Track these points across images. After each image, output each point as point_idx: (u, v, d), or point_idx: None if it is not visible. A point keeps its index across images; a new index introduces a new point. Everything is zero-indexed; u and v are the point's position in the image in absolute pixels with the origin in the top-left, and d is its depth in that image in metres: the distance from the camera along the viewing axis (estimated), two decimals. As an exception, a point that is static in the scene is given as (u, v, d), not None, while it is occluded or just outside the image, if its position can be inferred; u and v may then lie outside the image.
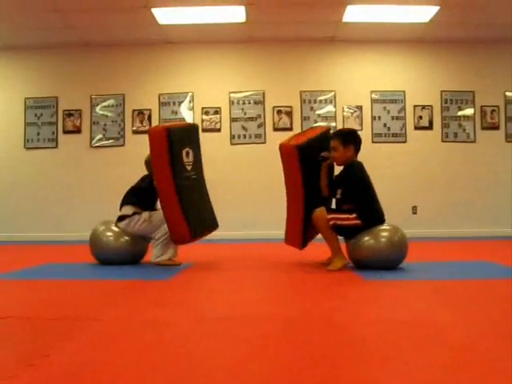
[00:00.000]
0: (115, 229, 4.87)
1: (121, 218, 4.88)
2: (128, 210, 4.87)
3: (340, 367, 1.71)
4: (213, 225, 4.97)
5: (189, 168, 4.63)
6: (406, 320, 2.41)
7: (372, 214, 4.33)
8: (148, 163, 4.93)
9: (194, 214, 4.55)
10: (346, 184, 4.43)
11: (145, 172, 5.07)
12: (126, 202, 4.98)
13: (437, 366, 1.70)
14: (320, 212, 4.33)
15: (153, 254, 4.74)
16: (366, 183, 4.41)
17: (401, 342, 2.02)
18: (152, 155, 4.52)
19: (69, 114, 8.90)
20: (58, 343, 1.96)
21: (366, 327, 2.31)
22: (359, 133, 5.24)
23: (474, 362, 1.74)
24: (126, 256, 4.81)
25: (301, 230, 4.61)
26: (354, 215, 4.25)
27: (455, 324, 2.33)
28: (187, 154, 4.63)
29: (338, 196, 4.41)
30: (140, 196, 4.91)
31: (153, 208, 4.90)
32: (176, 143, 4.47)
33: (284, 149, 4.63)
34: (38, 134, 8.92)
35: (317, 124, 8.77)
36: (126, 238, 4.80)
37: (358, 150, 4.56)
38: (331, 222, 4.27)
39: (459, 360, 1.76)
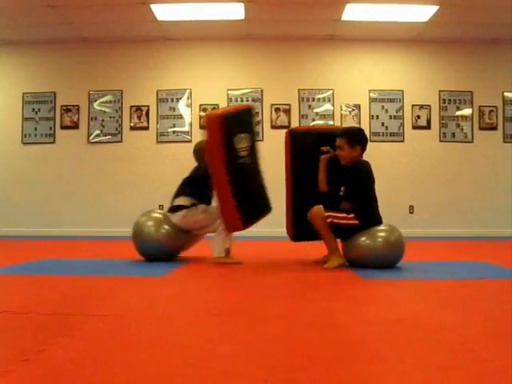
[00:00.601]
0: (158, 216, 4.76)
1: (175, 209, 4.73)
2: (185, 200, 4.72)
3: (337, 366, 1.71)
4: (266, 209, 4.87)
5: (243, 154, 4.53)
6: (403, 319, 2.41)
7: (370, 216, 4.30)
8: (197, 151, 4.89)
9: (247, 202, 4.50)
10: (352, 182, 4.34)
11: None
12: (181, 193, 4.82)
13: (434, 366, 1.70)
14: (317, 210, 4.31)
15: (212, 251, 4.63)
16: (371, 184, 4.38)
17: (398, 342, 2.02)
18: (207, 142, 4.43)
19: (66, 109, 8.89)
20: (54, 339, 1.95)
21: (363, 326, 2.31)
22: None
23: (471, 362, 1.74)
24: (167, 249, 4.71)
25: (290, 221, 4.61)
26: (351, 215, 4.22)
27: (452, 324, 2.33)
28: (242, 139, 4.53)
29: (342, 193, 4.34)
30: (195, 186, 4.77)
31: (209, 202, 4.80)
32: (231, 130, 4.42)
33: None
34: (36, 129, 8.91)
35: (315, 122, 8.78)
36: (168, 228, 4.66)
37: (364, 149, 4.52)
38: (328, 220, 4.24)
39: (456, 360, 1.77)
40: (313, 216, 4.32)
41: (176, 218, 4.68)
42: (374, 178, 4.44)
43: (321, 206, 4.31)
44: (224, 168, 4.33)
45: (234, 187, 4.37)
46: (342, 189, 4.34)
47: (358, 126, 8.70)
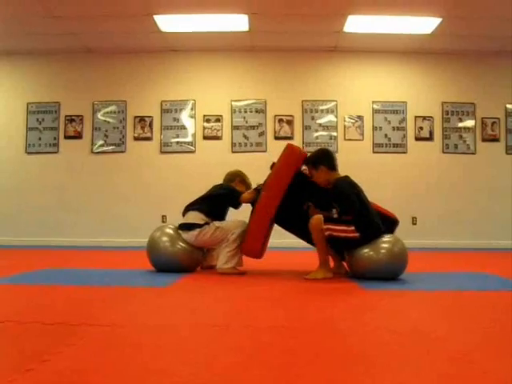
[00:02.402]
0: (171, 232, 4.73)
1: (187, 227, 4.71)
2: (198, 218, 4.71)
3: (337, 376, 1.71)
4: None
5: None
6: (404, 330, 2.41)
7: (370, 227, 4.23)
8: (229, 174, 5.16)
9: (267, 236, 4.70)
10: (337, 202, 4.35)
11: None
12: (196, 209, 4.80)
13: (434, 377, 1.70)
14: (316, 220, 4.26)
15: (219, 260, 4.67)
16: (354, 198, 4.27)
17: (398, 352, 2.02)
18: (279, 168, 4.56)
19: (70, 119, 8.93)
20: (57, 348, 1.96)
21: (364, 336, 2.32)
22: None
23: (471, 374, 1.74)
24: (183, 263, 4.70)
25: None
26: (352, 227, 4.17)
27: (453, 335, 2.33)
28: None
29: (335, 215, 4.34)
30: (215, 206, 4.81)
31: (222, 219, 4.87)
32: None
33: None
34: (40, 139, 8.96)
35: (318, 134, 8.79)
36: (183, 245, 4.66)
37: (332, 166, 4.50)
38: (327, 233, 4.20)
39: (457, 371, 1.77)
40: (312, 227, 4.27)
41: (189, 236, 4.67)
42: (357, 189, 4.41)
43: (321, 217, 4.26)
44: (279, 199, 4.44)
45: (271, 220, 4.54)
46: (334, 211, 4.34)
47: (360, 137, 8.75)
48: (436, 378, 1.69)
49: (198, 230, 4.65)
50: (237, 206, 4.93)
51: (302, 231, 4.62)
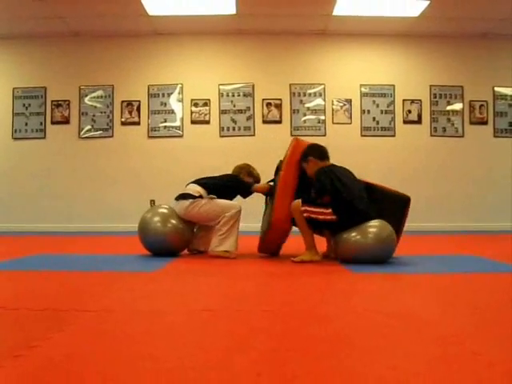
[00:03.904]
0: (164, 211, 4.73)
1: (181, 196, 4.70)
2: (195, 190, 4.71)
3: (326, 359, 1.72)
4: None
5: None
6: (393, 312, 2.42)
7: (349, 211, 4.23)
8: (238, 167, 5.11)
9: None
10: (317, 190, 4.36)
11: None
12: (197, 183, 4.82)
13: (425, 358, 1.72)
14: (297, 203, 4.32)
15: (211, 243, 4.68)
16: (329, 188, 4.29)
17: (388, 334, 2.03)
18: (291, 157, 4.62)
19: (57, 104, 8.85)
20: (46, 334, 1.95)
21: (353, 319, 2.33)
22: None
23: (461, 356, 1.75)
24: (173, 243, 4.70)
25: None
26: (329, 210, 4.22)
27: (443, 317, 2.34)
28: None
29: (312, 194, 4.36)
30: (221, 190, 4.78)
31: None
32: None
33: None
34: (26, 124, 8.88)
35: (306, 118, 8.77)
36: (174, 222, 4.65)
37: (320, 156, 4.56)
38: (305, 215, 4.25)
39: (446, 353, 1.78)
40: (292, 210, 4.35)
41: (181, 206, 4.66)
42: (343, 173, 4.46)
43: (299, 200, 4.32)
44: (296, 179, 4.58)
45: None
46: (312, 193, 4.35)
47: (349, 120, 8.74)
48: (426, 360, 1.70)
49: (190, 200, 4.63)
50: (246, 194, 4.93)
51: None
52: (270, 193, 4.79)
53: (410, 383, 1.49)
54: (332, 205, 4.23)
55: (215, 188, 4.77)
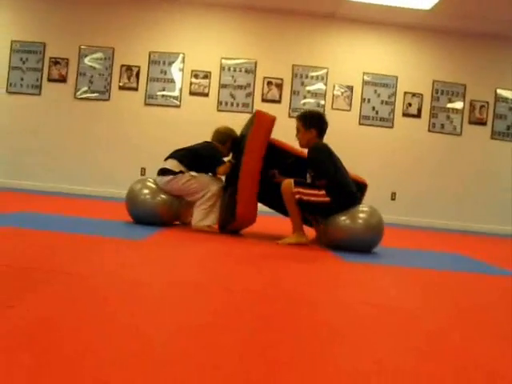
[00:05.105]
0: (152, 186, 4.66)
1: (162, 172, 4.68)
2: (174, 165, 4.66)
3: (311, 346, 1.67)
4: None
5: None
6: (380, 304, 2.39)
7: (343, 193, 4.22)
8: (221, 135, 4.95)
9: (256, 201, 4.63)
10: (312, 164, 4.34)
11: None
12: (175, 157, 4.76)
13: (409, 351, 1.69)
14: (287, 184, 4.22)
15: (194, 217, 4.68)
16: (330, 165, 4.27)
17: (373, 326, 2.00)
18: (255, 134, 4.53)
19: (55, 61, 8.71)
20: (23, 294, 1.89)
21: (338, 308, 2.29)
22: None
23: (445, 350, 1.74)
24: (162, 216, 4.65)
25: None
26: (322, 192, 4.16)
27: (428, 311, 2.34)
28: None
29: (309, 179, 4.31)
30: (196, 162, 4.74)
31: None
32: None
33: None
34: (22, 79, 8.74)
35: (306, 101, 8.70)
36: (163, 196, 4.60)
37: (321, 132, 4.50)
38: (297, 197, 4.17)
39: (430, 347, 1.77)
40: (283, 190, 4.25)
41: (162, 181, 4.65)
42: (335, 156, 4.39)
43: (291, 181, 4.23)
44: (261, 162, 4.47)
45: (260, 184, 4.50)
46: (308, 175, 4.29)
47: (348, 107, 8.68)
48: (412, 354, 1.67)
49: (171, 176, 4.63)
50: (214, 173, 4.87)
51: (274, 202, 4.67)
52: (231, 172, 4.69)
53: (394, 378, 1.46)
54: (327, 186, 4.18)
55: (190, 163, 4.73)
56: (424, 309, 2.41)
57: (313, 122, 4.48)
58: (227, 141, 4.93)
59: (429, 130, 8.84)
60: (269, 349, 1.59)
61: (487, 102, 8.87)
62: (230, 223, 4.56)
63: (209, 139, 4.98)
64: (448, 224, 8.58)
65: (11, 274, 2.24)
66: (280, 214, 4.85)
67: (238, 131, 5.04)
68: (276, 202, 4.61)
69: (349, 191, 4.28)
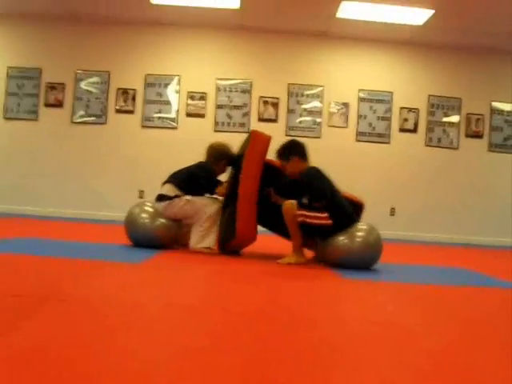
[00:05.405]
0: (151, 210, 4.66)
1: (159, 198, 4.69)
2: (170, 190, 4.67)
3: (311, 365, 1.65)
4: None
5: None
6: (381, 321, 2.37)
7: (341, 214, 4.21)
8: (215, 150, 4.92)
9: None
10: (308, 189, 4.28)
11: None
12: (171, 181, 4.77)
13: (411, 371, 1.66)
14: (290, 205, 4.20)
15: (191, 239, 4.66)
16: (324, 187, 4.26)
17: (373, 344, 1.98)
18: (251, 154, 4.53)
19: (52, 87, 8.74)
20: (17, 322, 1.87)
21: (338, 326, 2.27)
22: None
23: (446, 369, 1.71)
24: (161, 239, 4.64)
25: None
26: (325, 214, 4.14)
27: (429, 329, 2.30)
28: None
29: (305, 201, 4.26)
30: (192, 184, 4.73)
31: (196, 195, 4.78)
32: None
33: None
34: (19, 104, 8.76)
35: (302, 119, 8.72)
36: (162, 221, 4.60)
37: (303, 156, 4.49)
38: (300, 219, 4.15)
39: (432, 366, 1.73)
40: (285, 211, 4.23)
41: (159, 207, 4.65)
42: (327, 178, 4.38)
43: (294, 202, 4.20)
44: (258, 180, 4.48)
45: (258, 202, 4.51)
46: (304, 199, 4.25)
47: (344, 124, 8.70)
48: (414, 373, 1.65)
49: (167, 201, 4.62)
50: (212, 193, 4.87)
51: (272, 223, 4.69)
52: (230, 191, 4.68)
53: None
54: (328, 208, 4.16)
55: (186, 186, 4.72)
56: (424, 325, 2.39)
57: (289, 152, 4.49)
58: (223, 158, 4.91)
59: (426, 145, 8.85)
60: (268, 369, 1.58)
61: (483, 115, 8.89)
62: (231, 241, 4.53)
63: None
64: (447, 238, 8.55)
65: (5, 302, 2.22)
66: (277, 234, 4.84)
67: (236, 150, 5.04)
68: (273, 223, 4.61)
69: (347, 213, 4.28)
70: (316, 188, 4.24)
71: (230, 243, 4.56)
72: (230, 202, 4.59)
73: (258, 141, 4.62)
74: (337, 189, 4.40)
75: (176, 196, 4.65)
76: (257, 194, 4.47)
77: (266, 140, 4.62)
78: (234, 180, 4.63)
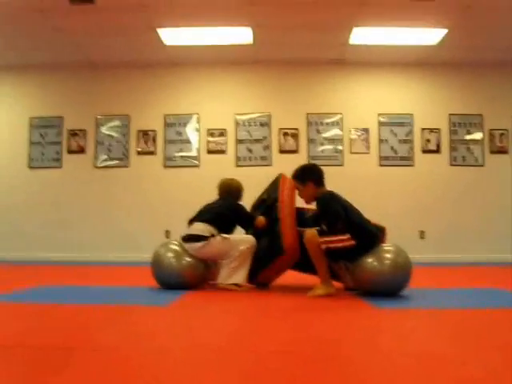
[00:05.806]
0: (177, 248, 4.59)
1: (192, 238, 4.57)
2: (205, 230, 4.56)
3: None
4: None
5: None
6: (418, 353, 2.28)
7: (362, 231, 4.13)
8: (235, 190, 5.03)
9: None
10: (324, 218, 4.21)
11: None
12: (202, 219, 4.68)
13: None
14: (311, 234, 4.11)
15: (221, 276, 4.59)
16: (338, 208, 4.19)
17: (409, 378, 1.89)
18: (285, 196, 4.65)
19: (73, 133, 8.86)
20: (45, 377, 1.83)
21: (373, 360, 2.18)
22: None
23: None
24: (188, 279, 4.56)
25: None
26: (347, 236, 4.05)
27: (466, 358, 2.19)
28: None
29: (324, 228, 4.18)
30: (224, 224, 4.70)
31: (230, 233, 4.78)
32: None
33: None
34: (43, 153, 8.89)
35: (323, 148, 8.69)
36: (188, 259, 4.52)
37: (319, 181, 4.45)
38: (323, 246, 4.04)
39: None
40: (306, 240, 4.14)
41: (192, 247, 4.53)
42: (344, 202, 4.32)
43: (315, 231, 4.12)
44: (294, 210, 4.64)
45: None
46: (323, 226, 4.17)
47: (366, 150, 8.64)
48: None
49: (203, 242, 4.51)
50: (249, 229, 4.83)
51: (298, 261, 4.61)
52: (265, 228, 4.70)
53: None
54: (348, 229, 4.09)
55: (220, 225, 4.65)
56: (465, 355, 2.27)
57: (305, 176, 4.47)
58: (239, 197, 5.01)
59: (450, 164, 8.73)
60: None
61: (506, 130, 8.76)
62: (274, 261, 4.48)
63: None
64: (477, 257, 8.32)
65: (31, 354, 2.18)
66: (303, 271, 4.76)
67: (259, 184, 5.06)
68: (299, 261, 4.54)
69: (368, 230, 4.21)
70: (330, 212, 4.18)
71: (274, 263, 4.51)
72: (263, 234, 4.63)
73: (287, 183, 4.73)
74: (353, 208, 4.33)
75: (212, 235, 4.56)
76: (295, 221, 4.51)
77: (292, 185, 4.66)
78: (268, 216, 4.67)
